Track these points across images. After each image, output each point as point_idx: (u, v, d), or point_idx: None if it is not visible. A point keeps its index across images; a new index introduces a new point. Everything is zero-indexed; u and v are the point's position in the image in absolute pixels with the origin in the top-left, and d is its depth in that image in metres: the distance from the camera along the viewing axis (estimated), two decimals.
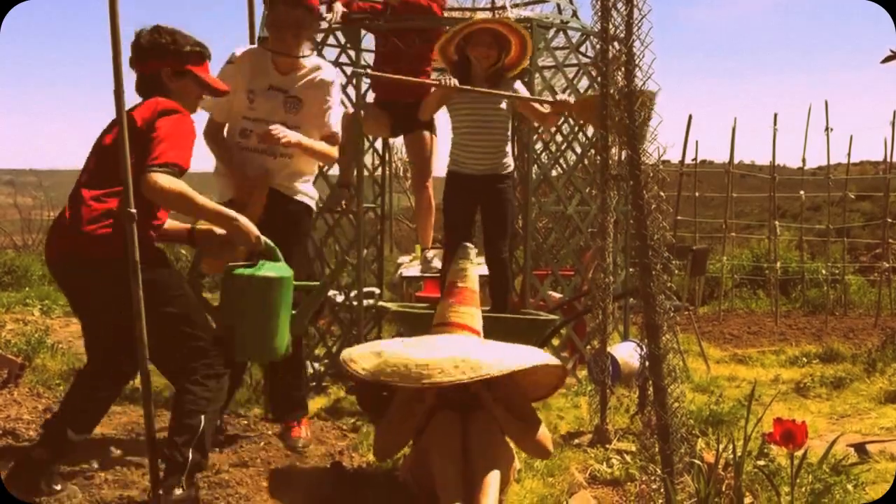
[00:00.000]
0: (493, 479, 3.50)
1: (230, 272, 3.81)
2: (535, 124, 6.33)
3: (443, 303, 4.01)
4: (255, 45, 4.84)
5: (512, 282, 6.25)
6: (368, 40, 6.85)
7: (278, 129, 4.45)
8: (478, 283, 4.05)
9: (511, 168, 5.93)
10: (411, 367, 3.48)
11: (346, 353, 3.76)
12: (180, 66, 3.77)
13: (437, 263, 6.66)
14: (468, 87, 5.56)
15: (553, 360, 3.83)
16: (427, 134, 6.42)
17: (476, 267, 4.10)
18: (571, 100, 5.78)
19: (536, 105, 5.78)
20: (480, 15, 5.97)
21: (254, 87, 4.62)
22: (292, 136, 4.50)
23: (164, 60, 3.75)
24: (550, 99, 5.84)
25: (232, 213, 3.80)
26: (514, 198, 6.05)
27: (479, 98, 5.61)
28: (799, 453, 3.12)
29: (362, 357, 3.69)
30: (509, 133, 6.00)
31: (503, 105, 5.71)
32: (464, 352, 3.55)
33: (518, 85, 5.80)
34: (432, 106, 5.85)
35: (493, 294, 5.82)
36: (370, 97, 6.64)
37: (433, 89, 5.69)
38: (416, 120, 6.09)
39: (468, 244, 4.11)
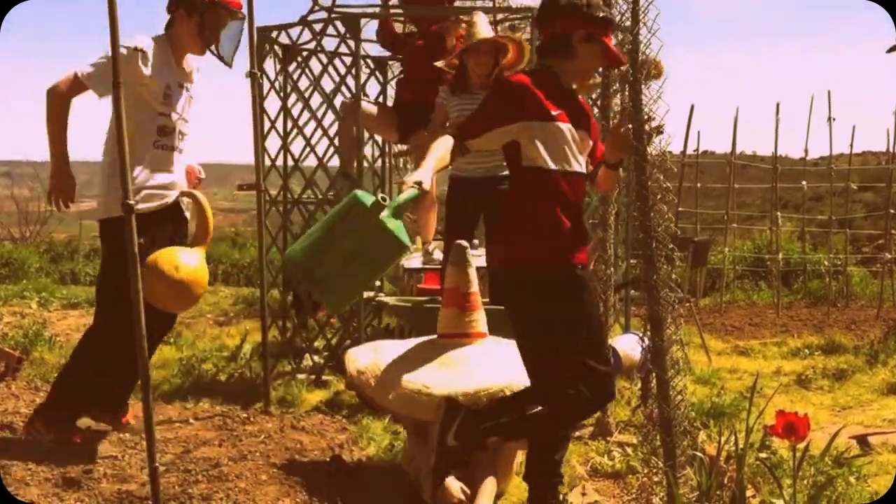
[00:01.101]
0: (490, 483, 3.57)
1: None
2: None
3: (452, 310, 4.01)
4: (151, 38, 4.49)
5: None
6: (368, 31, 6.82)
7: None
8: (476, 278, 4.06)
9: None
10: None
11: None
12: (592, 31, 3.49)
13: (439, 255, 6.64)
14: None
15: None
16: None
17: (475, 260, 4.10)
18: None
19: None
20: (480, 5, 5.92)
21: (169, 81, 4.46)
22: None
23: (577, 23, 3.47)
24: None
25: None
26: None
27: (465, 108, 5.60)
28: (801, 446, 3.09)
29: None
30: None
31: None
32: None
33: None
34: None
35: None
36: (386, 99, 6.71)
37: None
38: (421, 120, 6.10)
39: (461, 242, 4.07)
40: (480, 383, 3.66)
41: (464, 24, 5.89)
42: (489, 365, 3.80)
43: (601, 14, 3.49)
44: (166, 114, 4.44)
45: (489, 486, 3.56)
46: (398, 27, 7.27)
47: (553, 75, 3.50)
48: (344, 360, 4.09)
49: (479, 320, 4.02)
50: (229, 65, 4.65)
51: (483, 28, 5.65)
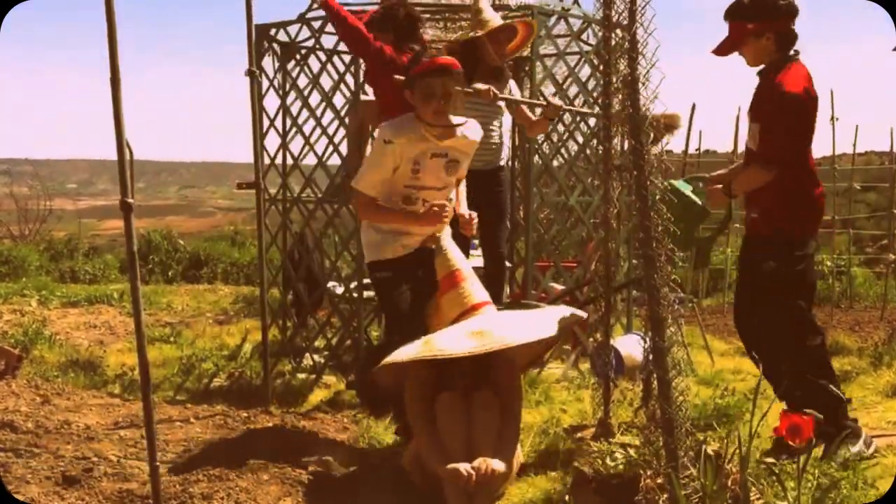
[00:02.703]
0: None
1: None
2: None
3: (452, 292, 4.04)
4: (404, 120, 4.52)
5: (507, 275, 6.25)
6: None
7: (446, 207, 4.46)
8: (462, 258, 4.25)
9: (506, 159, 5.95)
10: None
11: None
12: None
13: None
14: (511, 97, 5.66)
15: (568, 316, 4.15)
16: None
17: (473, 261, 4.16)
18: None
19: (526, 111, 5.75)
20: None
21: (416, 156, 4.43)
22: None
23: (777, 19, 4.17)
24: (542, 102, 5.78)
25: None
26: (508, 190, 6.04)
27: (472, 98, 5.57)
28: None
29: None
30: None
31: (497, 102, 5.65)
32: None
33: (511, 84, 5.75)
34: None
35: (488, 288, 5.76)
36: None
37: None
38: None
39: (438, 236, 4.14)
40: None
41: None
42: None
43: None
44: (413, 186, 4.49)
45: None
46: None
47: None
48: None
49: (478, 290, 4.16)
50: None
51: (492, 14, 5.62)
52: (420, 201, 4.44)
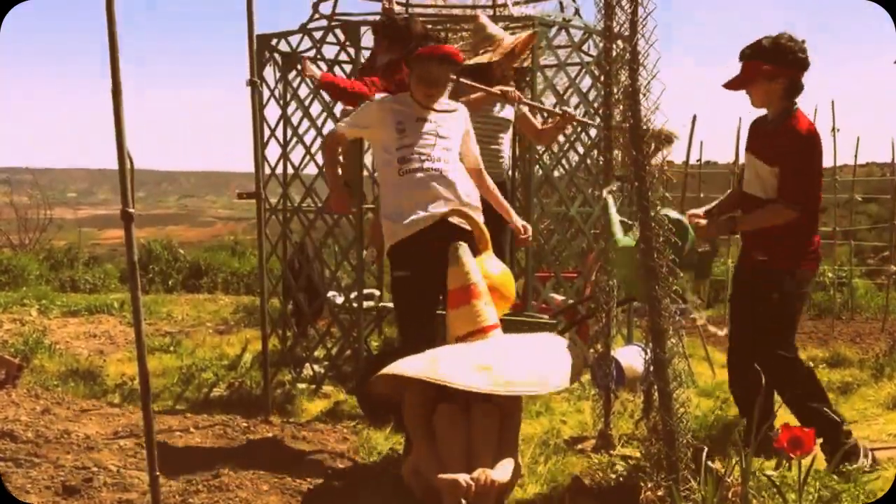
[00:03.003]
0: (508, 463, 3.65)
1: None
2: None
3: (466, 307, 3.96)
4: (389, 96, 4.75)
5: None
6: (368, 38, 6.81)
7: None
8: (477, 270, 4.03)
9: (507, 172, 6.00)
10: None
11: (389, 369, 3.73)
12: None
13: None
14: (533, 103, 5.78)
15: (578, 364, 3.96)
16: None
17: (472, 261, 4.05)
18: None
19: (534, 122, 5.80)
20: (480, 13, 5.89)
21: (402, 119, 4.51)
22: None
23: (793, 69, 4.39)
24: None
25: None
26: (513, 198, 6.02)
27: (485, 109, 5.58)
28: (806, 461, 3.06)
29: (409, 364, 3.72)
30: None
31: (504, 114, 5.67)
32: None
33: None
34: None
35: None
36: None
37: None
38: None
39: (457, 244, 4.03)
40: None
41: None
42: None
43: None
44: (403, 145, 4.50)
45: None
46: None
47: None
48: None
49: (491, 313, 3.98)
50: None
51: (497, 30, 5.66)
52: (417, 160, 4.42)
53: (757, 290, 4.48)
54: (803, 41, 4.39)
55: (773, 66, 4.33)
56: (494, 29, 5.67)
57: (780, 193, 4.37)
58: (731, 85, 4.49)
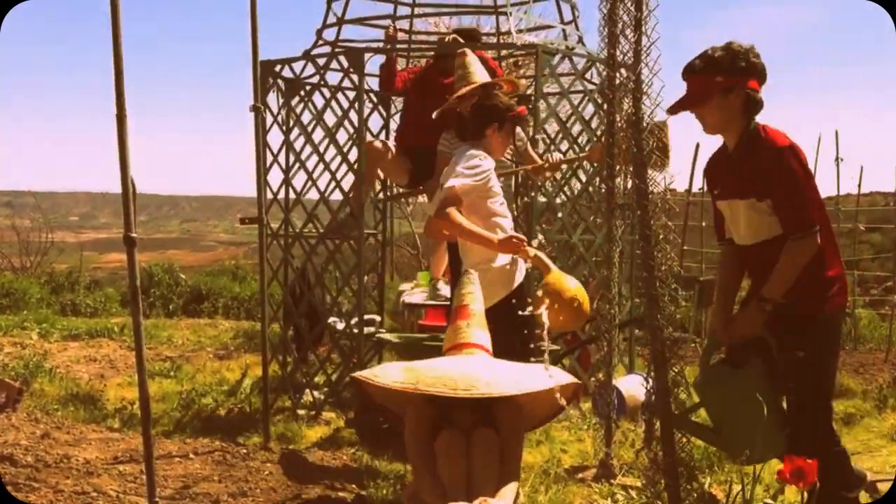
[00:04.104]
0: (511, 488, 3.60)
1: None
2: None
3: (452, 325, 3.98)
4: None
5: None
6: (372, 66, 6.86)
7: None
8: (483, 304, 4.00)
9: None
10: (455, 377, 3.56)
11: (366, 373, 3.74)
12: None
13: (446, 292, 6.62)
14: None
15: (566, 379, 3.82)
16: None
17: (479, 292, 4.04)
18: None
19: (533, 156, 5.82)
20: (467, 50, 5.85)
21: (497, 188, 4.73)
22: None
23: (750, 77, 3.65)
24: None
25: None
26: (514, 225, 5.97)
27: None
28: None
29: (387, 373, 3.71)
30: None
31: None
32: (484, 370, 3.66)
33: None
34: None
35: None
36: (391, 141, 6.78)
37: None
38: (432, 162, 6.11)
39: (471, 271, 4.04)
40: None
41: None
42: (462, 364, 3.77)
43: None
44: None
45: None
46: (401, 62, 7.31)
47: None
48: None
49: (479, 333, 3.93)
50: None
51: (476, 69, 5.57)
52: (498, 230, 4.59)
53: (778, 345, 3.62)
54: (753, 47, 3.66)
55: (727, 78, 3.58)
56: (479, 72, 5.59)
57: (788, 227, 3.55)
58: (682, 106, 3.70)
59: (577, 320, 4.54)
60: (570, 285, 4.40)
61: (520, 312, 4.69)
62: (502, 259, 4.57)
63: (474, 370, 3.64)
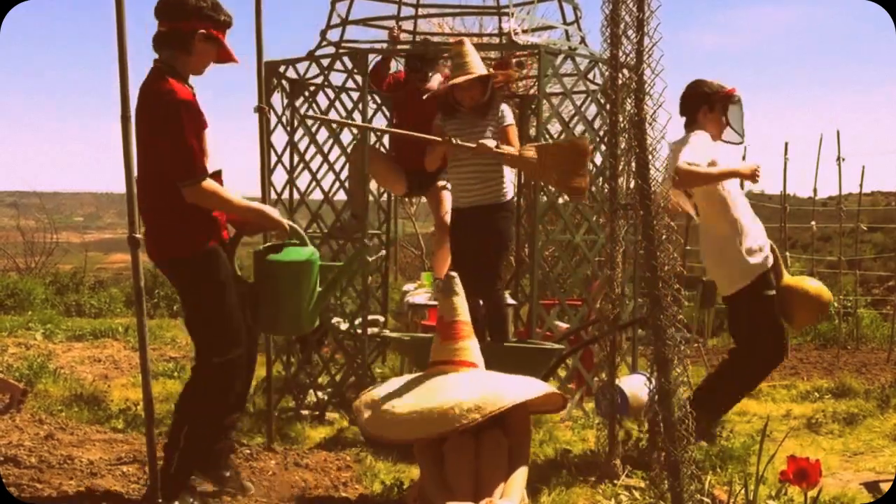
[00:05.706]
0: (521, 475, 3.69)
1: (261, 258, 4.45)
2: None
3: (437, 340, 3.96)
4: None
5: (509, 314, 6.20)
6: None
7: None
8: (468, 312, 3.99)
9: (506, 198, 5.80)
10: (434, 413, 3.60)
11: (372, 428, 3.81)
12: (213, 30, 4.03)
13: None
14: (467, 145, 5.53)
15: (550, 389, 3.94)
16: (442, 192, 6.70)
17: (463, 297, 4.01)
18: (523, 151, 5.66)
19: (514, 141, 5.74)
20: (466, 40, 5.84)
21: None
22: None
23: (202, 22, 3.98)
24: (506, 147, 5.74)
25: (261, 206, 4.45)
26: (506, 228, 5.86)
27: (461, 131, 5.59)
28: (813, 492, 3.04)
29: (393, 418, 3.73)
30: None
31: (487, 134, 5.62)
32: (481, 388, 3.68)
33: (504, 108, 5.73)
34: (436, 160, 5.90)
35: (491, 333, 5.72)
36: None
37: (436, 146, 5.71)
38: (430, 179, 6.11)
39: (450, 273, 4.03)
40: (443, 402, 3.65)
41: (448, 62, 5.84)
42: (458, 387, 3.75)
43: (223, 18, 4.06)
44: None
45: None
46: (394, 65, 7.38)
47: None
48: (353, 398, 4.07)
49: (466, 349, 3.91)
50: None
51: (473, 60, 5.60)
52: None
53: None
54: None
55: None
56: (470, 58, 5.63)
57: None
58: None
59: (817, 313, 5.56)
60: (813, 285, 5.44)
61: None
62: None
63: (477, 392, 3.66)
